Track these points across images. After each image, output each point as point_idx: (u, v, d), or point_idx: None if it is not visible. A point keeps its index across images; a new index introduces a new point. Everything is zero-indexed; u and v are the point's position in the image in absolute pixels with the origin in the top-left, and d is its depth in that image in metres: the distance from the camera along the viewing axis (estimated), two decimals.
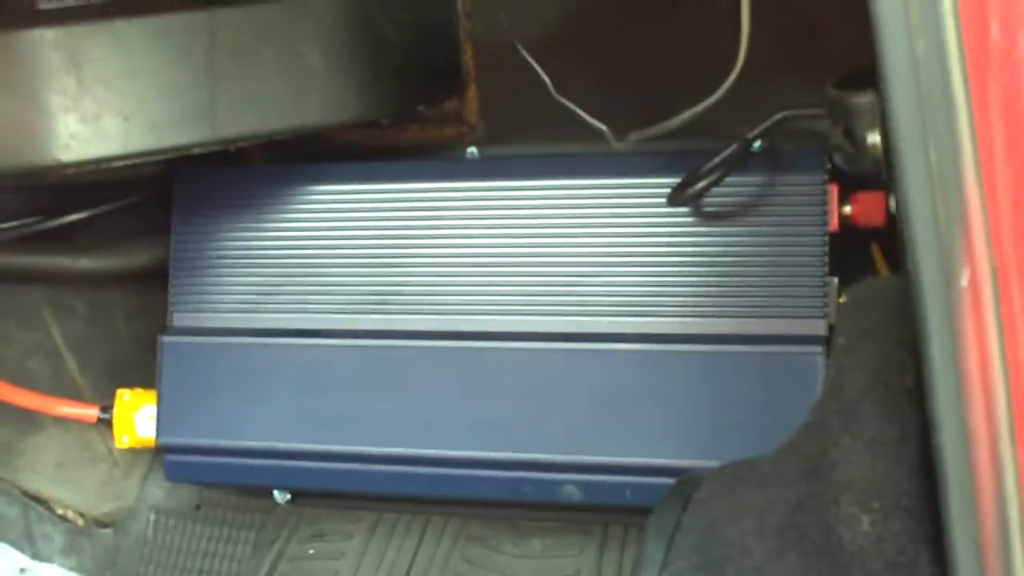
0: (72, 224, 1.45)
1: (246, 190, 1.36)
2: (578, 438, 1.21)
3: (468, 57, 1.38)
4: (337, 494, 1.39)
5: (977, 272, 0.61)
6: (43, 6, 1.25)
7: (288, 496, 1.42)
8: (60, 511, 1.53)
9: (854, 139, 0.99)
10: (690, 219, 1.22)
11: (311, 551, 1.37)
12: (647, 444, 1.19)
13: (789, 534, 0.76)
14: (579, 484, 1.22)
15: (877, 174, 0.98)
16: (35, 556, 1.48)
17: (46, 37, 1.13)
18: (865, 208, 1.18)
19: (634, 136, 1.14)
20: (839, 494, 0.72)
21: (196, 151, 1.20)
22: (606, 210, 1.24)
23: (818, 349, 1.15)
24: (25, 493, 1.52)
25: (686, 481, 0.95)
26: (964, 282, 0.61)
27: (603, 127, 1.16)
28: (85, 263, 1.48)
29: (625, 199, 1.24)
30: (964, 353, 0.62)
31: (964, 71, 0.60)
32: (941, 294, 0.62)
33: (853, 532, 0.70)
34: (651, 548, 0.89)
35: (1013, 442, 0.62)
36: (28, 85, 1.13)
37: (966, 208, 0.61)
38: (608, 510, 1.29)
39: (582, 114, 1.17)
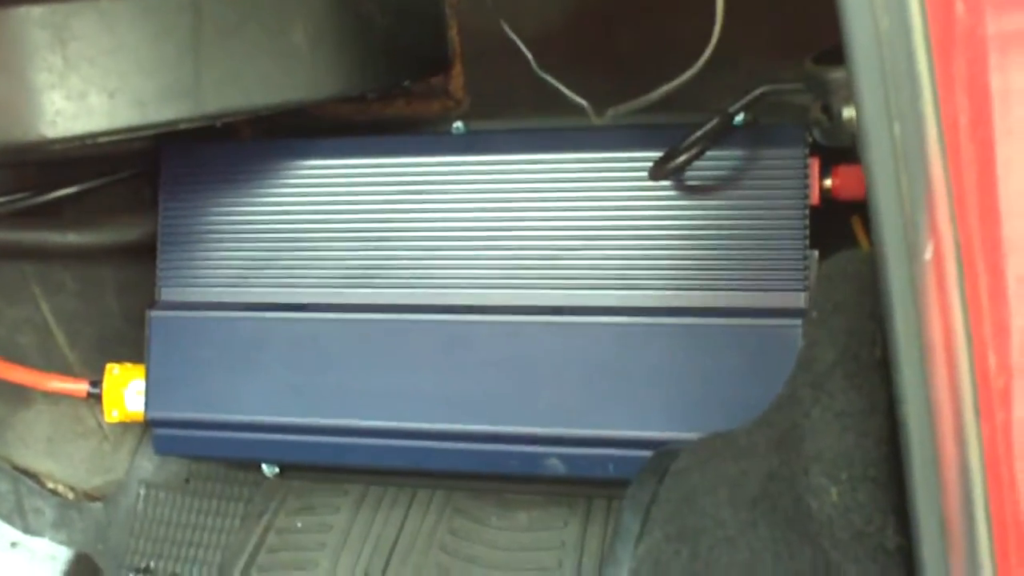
0: (61, 199, 1.45)
1: (233, 165, 1.36)
2: (561, 411, 1.21)
3: (454, 33, 1.39)
4: (325, 467, 1.40)
5: (941, 246, 0.62)
6: None
7: (276, 469, 1.43)
8: (51, 485, 1.54)
9: (831, 114, 1.00)
10: (672, 192, 1.22)
11: (299, 524, 1.39)
12: (629, 417, 1.20)
13: (762, 505, 0.78)
14: (562, 457, 1.23)
15: (854, 148, 0.99)
16: (26, 530, 1.49)
17: (32, 15, 1.14)
18: (846, 181, 1.19)
19: (612, 111, 1.14)
20: (809, 465, 0.73)
21: (182, 127, 1.20)
22: (589, 184, 1.25)
23: (798, 322, 1.15)
24: (16, 467, 1.53)
25: (663, 454, 0.96)
26: (928, 256, 0.62)
27: (584, 103, 1.16)
28: (74, 238, 1.48)
29: (608, 173, 1.24)
30: (928, 326, 0.63)
31: (928, 48, 0.61)
32: (905, 267, 0.63)
33: (822, 502, 0.72)
34: (628, 519, 0.90)
35: (977, 413, 0.63)
36: (14, 63, 1.14)
37: (930, 183, 0.62)
38: (592, 483, 1.30)
39: (564, 89, 1.18)
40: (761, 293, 1.20)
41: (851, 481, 0.70)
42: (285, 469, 1.44)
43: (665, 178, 1.21)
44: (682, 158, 1.16)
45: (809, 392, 0.76)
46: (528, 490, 1.35)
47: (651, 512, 0.88)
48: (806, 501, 0.73)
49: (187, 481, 1.52)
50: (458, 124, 1.36)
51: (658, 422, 1.19)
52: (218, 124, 1.36)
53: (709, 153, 1.18)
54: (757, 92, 1.15)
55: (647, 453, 1.16)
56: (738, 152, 1.21)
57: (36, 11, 1.14)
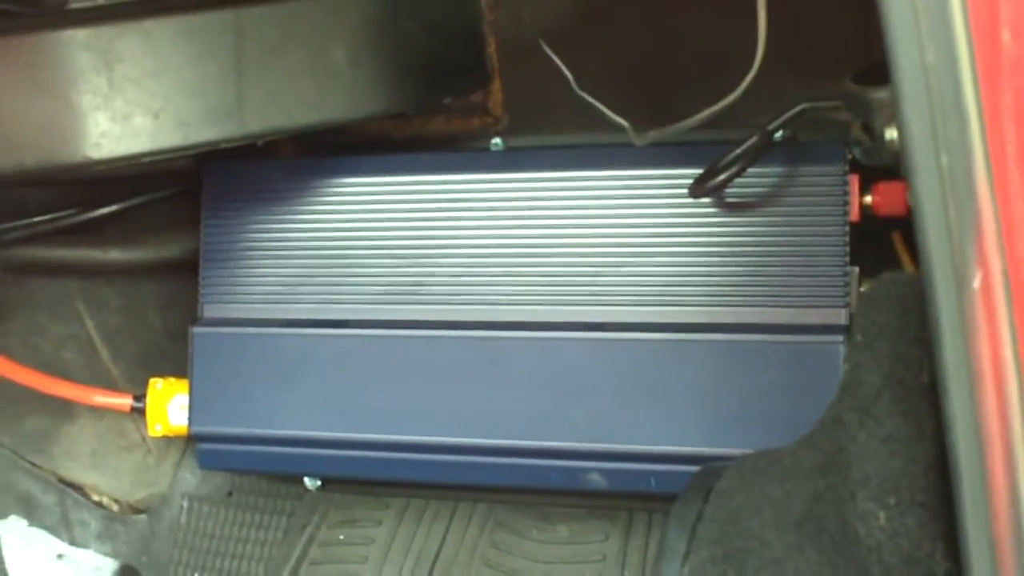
0: (104, 217, 1.48)
1: (274, 183, 1.38)
2: (602, 426, 1.22)
3: (492, 49, 1.40)
4: (366, 481, 1.42)
5: (989, 275, 0.62)
6: (74, 5, 1.28)
7: (318, 483, 1.45)
8: (96, 498, 1.56)
9: (872, 133, 1.00)
10: (711, 209, 1.23)
11: (341, 536, 1.40)
12: (670, 432, 1.20)
13: (807, 527, 0.78)
14: (603, 472, 1.24)
15: (896, 167, 0.99)
16: (72, 542, 1.51)
17: (77, 38, 1.16)
18: (886, 198, 1.19)
19: (654, 134, 1.15)
20: (856, 489, 0.73)
21: (224, 146, 1.22)
22: (628, 200, 1.25)
23: (839, 338, 1.16)
24: (61, 480, 1.55)
25: (707, 472, 0.96)
26: (976, 284, 0.63)
27: (624, 123, 1.17)
28: (116, 255, 1.50)
29: (647, 190, 1.25)
30: (976, 354, 0.63)
31: (975, 78, 0.61)
32: (953, 296, 0.63)
33: (869, 527, 0.72)
34: (673, 539, 0.90)
35: None
36: (60, 85, 1.16)
37: (978, 213, 0.62)
38: (633, 496, 1.31)
39: (604, 109, 1.18)
40: (801, 310, 1.20)
41: (899, 506, 0.71)
42: (327, 482, 1.45)
43: (705, 196, 1.21)
44: (722, 176, 1.16)
45: (855, 416, 0.76)
46: (569, 503, 1.36)
47: (696, 531, 0.89)
48: (853, 525, 0.73)
49: (230, 494, 1.53)
50: (496, 141, 1.37)
51: (699, 437, 1.20)
52: (259, 143, 1.39)
53: (748, 170, 1.18)
54: (797, 109, 1.15)
55: (689, 468, 1.17)
56: (778, 169, 1.21)
57: (82, 34, 1.16)
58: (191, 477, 1.56)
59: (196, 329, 1.39)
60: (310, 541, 1.41)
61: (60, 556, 1.49)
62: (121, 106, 1.16)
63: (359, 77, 1.23)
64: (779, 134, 1.19)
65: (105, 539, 1.53)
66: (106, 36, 1.15)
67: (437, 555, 1.36)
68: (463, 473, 1.30)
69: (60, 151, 1.18)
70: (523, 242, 1.29)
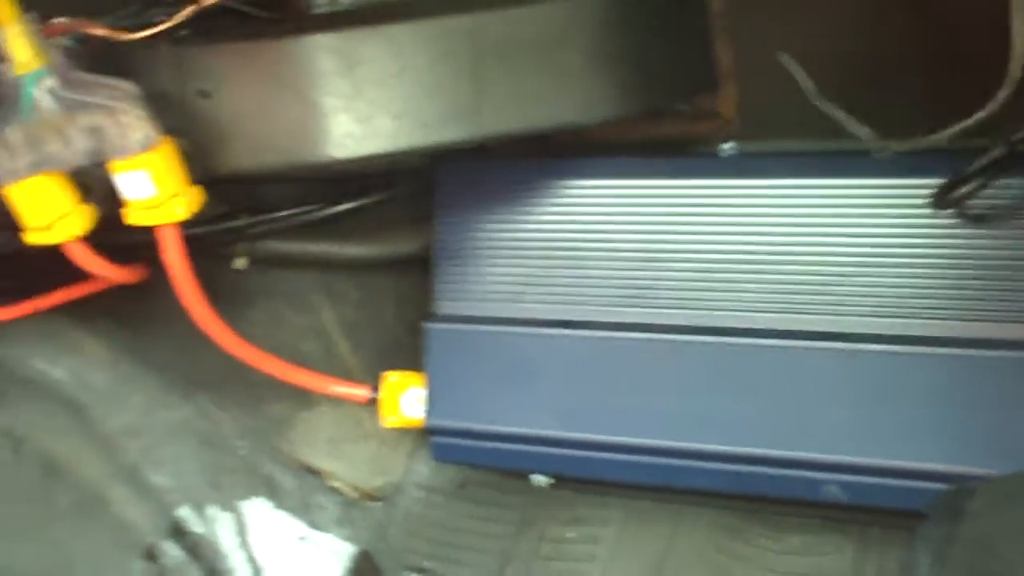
0: (343, 213, 1.52)
1: (506, 183, 1.40)
2: (843, 438, 1.19)
3: (726, 52, 1.37)
4: (594, 480, 1.42)
5: None
6: (317, 10, 1.32)
7: (547, 480, 1.46)
8: (333, 483, 1.61)
9: None
10: (954, 220, 1.18)
11: (569, 535, 1.41)
12: (911, 447, 1.16)
13: None
14: (843, 484, 1.20)
15: None
16: (312, 525, 1.56)
17: (322, 42, 1.19)
18: None
19: (897, 146, 1.11)
20: None
21: (461, 147, 1.24)
22: (866, 210, 1.22)
23: None
24: (301, 465, 1.62)
25: (958, 492, 0.93)
26: None
27: (864, 132, 1.13)
28: (353, 250, 1.55)
29: (886, 199, 1.21)
30: None
31: None
32: None
33: None
34: (923, 560, 0.88)
35: None
36: (305, 87, 1.20)
37: None
38: (867, 510, 1.27)
39: (845, 119, 1.15)
40: None
41: None
42: (555, 480, 1.47)
43: (949, 207, 1.16)
44: (967, 187, 1.12)
45: None
46: (800, 512, 1.33)
47: (947, 554, 0.86)
48: None
49: (462, 487, 1.56)
50: (727, 145, 1.34)
51: (940, 454, 1.15)
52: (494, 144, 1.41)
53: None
54: None
55: (929, 484, 1.13)
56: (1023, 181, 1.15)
57: (327, 38, 1.20)
58: (424, 468, 1.60)
59: (430, 325, 1.42)
60: (541, 537, 1.42)
61: (302, 538, 1.54)
62: (363, 108, 1.20)
63: (594, 80, 1.22)
64: None
65: (343, 524, 1.58)
66: (350, 39, 1.19)
67: (664, 557, 1.35)
68: (694, 478, 1.29)
69: (305, 151, 1.23)
70: (754, 248, 1.27)
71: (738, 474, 1.26)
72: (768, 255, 1.26)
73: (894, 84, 1.30)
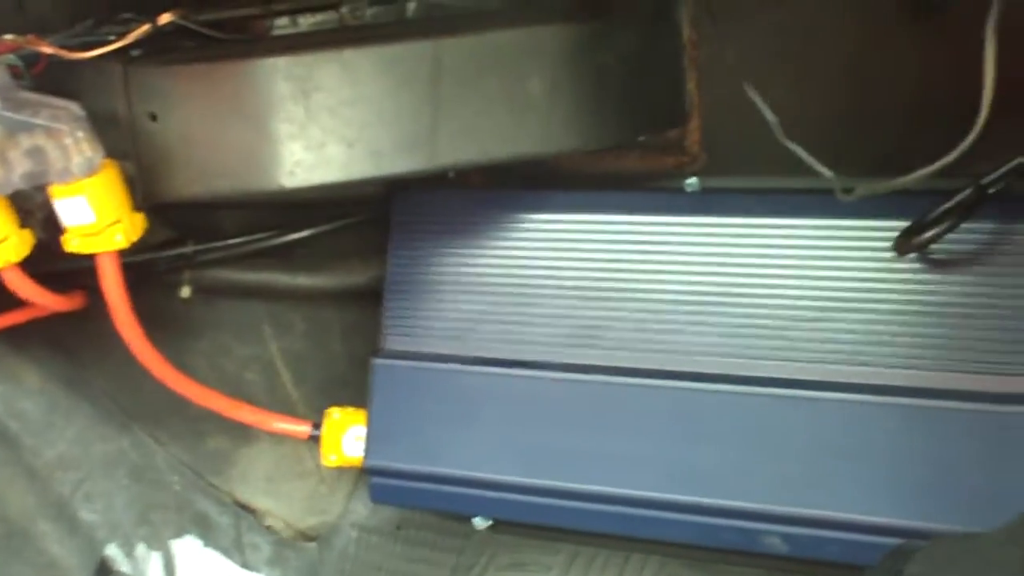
0: (293, 243, 1.49)
1: (463, 213, 1.37)
2: (786, 488, 1.16)
3: (692, 86, 1.35)
4: (537, 525, 1.38)
5: None
6: (277, 32, 1.30)
7: (489, 523, 1.42)
8: (268, 522, 1.57)
9: None
10: (916, 266, 1.16)
11: None
12: (858, 499, 1.13)
13: None
14: (784, 536, 1.17)
15: None
16: (244, 565, 1.52)
17: (278, 65, 1.16)
18: None
19: (862, 189, 1.09)
20: None
21: (415, 176, 1.21)
22: (827, 252, 1.20)
23: None
24: (237, 503, 1.57)
25: (897, 554, 0.90)
26: None
27: (830, 174, 1.11)
28: (303, 280, 1.52)
29: (848, 242, 1.19)
30: None
31: None
32: None
33: None
34: None
35: None
36: (257, 112, 1.17)
37: None
38: (811, 563, 1.23)
39: (810, 160, 1.13)
40: (1012, 378, 1.12)
41: None
42: (497, 523, 1.42)
43: (912, 251, 1.14)
44: (932, 232, 1.11)
45: None
46: (743, 562, 1.29)
47: None
48: None
49: (399, 528, 1.52)
50: (692, 180, 1.32)
51: (888, 507, 1.12)
52: (450, 174, 1.38)
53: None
54: (1014, 163, 1.08)
55: (875, 538, 1.10)
56: (990, 225, 1.14)
57: (282, 62, 1.17)
58: (361, 508, 1.56)
59: (377, 361, 1.38)
60: None
61: None
62: (316, 134, 1.17)
63: (555, 111, 1.20)
64: (993, 188, 1.11)
65: (275, 564, 1.54)
66: (306, 64, 1.16)
67: None
68: (638, 526, 1.25)
69: (254, 178, 1.19)
70: (713, 290, 1.24)
71: (684, 523, 1.22)
72: (724, 296, 1.23)
73: (859, 122, 1.29)
